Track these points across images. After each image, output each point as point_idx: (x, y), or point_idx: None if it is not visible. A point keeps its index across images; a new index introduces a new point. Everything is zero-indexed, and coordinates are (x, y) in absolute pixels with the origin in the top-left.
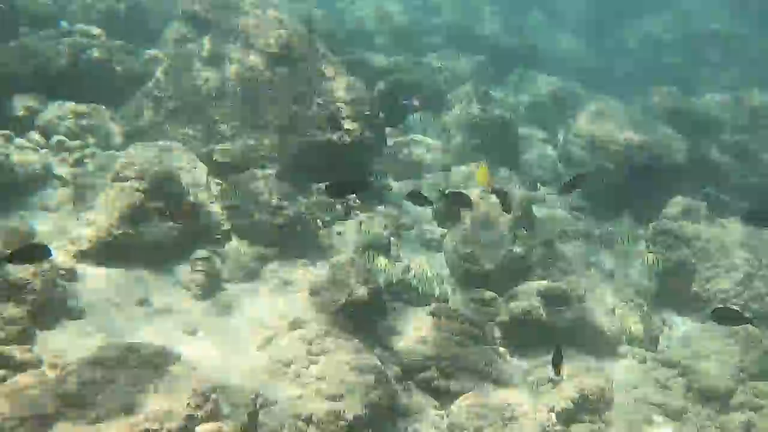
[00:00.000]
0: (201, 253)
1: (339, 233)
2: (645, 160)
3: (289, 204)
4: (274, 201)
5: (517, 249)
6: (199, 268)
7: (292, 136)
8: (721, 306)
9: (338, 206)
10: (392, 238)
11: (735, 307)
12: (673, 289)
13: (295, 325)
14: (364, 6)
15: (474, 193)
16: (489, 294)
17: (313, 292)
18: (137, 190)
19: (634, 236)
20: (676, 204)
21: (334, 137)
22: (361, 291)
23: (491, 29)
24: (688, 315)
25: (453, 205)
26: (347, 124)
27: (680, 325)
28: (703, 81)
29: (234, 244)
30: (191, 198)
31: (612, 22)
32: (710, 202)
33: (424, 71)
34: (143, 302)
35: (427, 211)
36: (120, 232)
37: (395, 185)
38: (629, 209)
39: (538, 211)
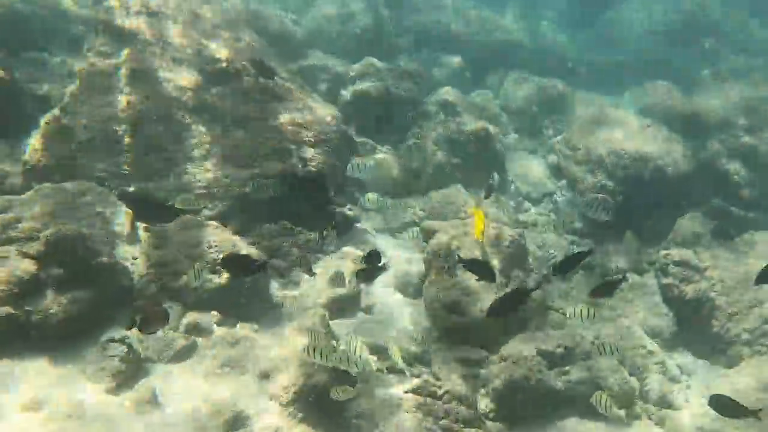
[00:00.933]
0: (114, 334)
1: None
2: (649, 174)
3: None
4: (213, 254)
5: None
6: (112, 352)
7: (238, 169)
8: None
9: (293, 249)
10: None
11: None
12: (691, 328)
13: (239, 423)
14: (323, 4)
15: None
16: (478, 354)
17: (263, 375)
18: (26, 255)
19: (639, 264)
20: (686, 226)
21: (296, 167)
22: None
23: (467, 27)
24: (708, 358)
25: (473, 275)
26: (309, 152)
27: (701, 373)
28: (699, 70)
29: None
30: (105, 258)
31: (595, 12)
32: (720, 217)
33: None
34: (33, 405)
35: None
36: None
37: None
38: (631, 230)
39: (528, 237)
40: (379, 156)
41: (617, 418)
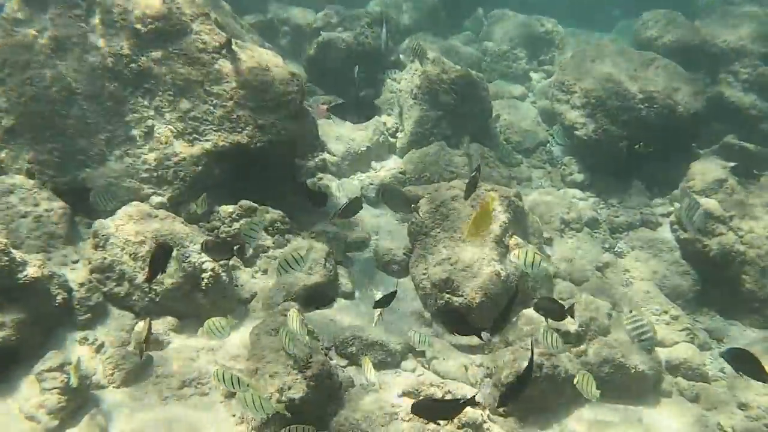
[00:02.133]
0: (51, 361)
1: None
2: (655, 115)
3: (190, 248)
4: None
5: (511, 266)
6: (50, 384)
7: (186, 144)
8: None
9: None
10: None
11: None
12: (718, 287)
13: None
14: None
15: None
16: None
17: (228, 396)
18: None
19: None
20: (702, 169)
21: (254, 138)
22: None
23: None
24: (741, 319)
25: (542, 315)
26: (269, 119)
27: (733, 338)
28: None
29: (111, 324)
30: (33, 270)
31: None
32: (737, 156)
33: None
34: None
35: (387, 220)
36: None
37: (336, 186)
38: (637, 176)
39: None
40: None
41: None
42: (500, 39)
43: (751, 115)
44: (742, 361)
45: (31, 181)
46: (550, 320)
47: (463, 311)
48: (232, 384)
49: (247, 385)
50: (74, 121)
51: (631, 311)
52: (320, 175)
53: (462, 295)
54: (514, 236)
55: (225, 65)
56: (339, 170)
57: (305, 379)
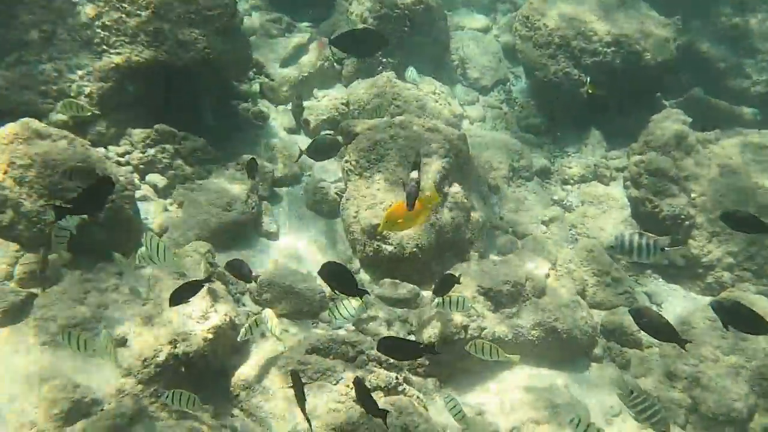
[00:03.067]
0: None
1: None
2: (622, 61)
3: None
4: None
5: (450, 214)
6: None
7: (92, 56)
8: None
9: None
10: (264, 204)
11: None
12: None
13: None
14: None
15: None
16: (408, 289)
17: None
18: None
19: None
20: (663, 126)
21: (164, 56)
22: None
23: None
24: (683, 284)
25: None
26: (190, 34)
27: (674, 302)
28: None
29: None
30: None
31: None
32: (701, 112)
33: None
34: None
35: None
36: None
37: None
38: (596, 125)
39: (474, 135)
40: (295, 39)
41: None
42: None
43: (719, 68)
44: (734, 315)
45: None
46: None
47: (393, 260)
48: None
49: None
50: None
51: (632, 392)
52: (256, 102)
53: (392, 244)
54: (455, 184)
55: None
56: (276, 96)
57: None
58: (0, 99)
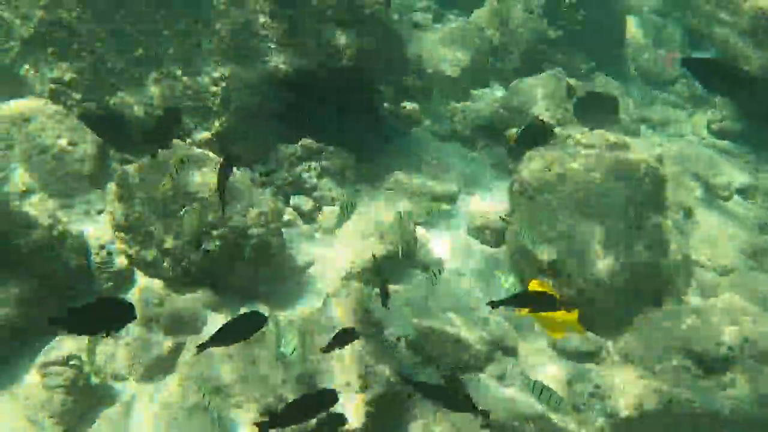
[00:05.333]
0: (57, 350)
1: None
2: None
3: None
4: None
5: (646, 253)
6: (54, 381)
7: (237, 66)
8: None
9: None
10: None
11: None
12: None
13: None
14: None
15: None
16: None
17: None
18: None
19: None
20: None
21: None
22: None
23: None
24: None
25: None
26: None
27: None
28: None
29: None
30: (41, 234)
31: None
32: None
33: None
34: None
35: (480, 167)
36: None
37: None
38: None
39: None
40: (447, 28)
41: None
42: None
43: None
44: None
45: (54, 107)
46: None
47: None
48: None
49: None
50: (104, 32)
51: None
52: (403, 103)
53: (571, 285)
54: (651, 215)
55: None
56: (427, 97)
57: None
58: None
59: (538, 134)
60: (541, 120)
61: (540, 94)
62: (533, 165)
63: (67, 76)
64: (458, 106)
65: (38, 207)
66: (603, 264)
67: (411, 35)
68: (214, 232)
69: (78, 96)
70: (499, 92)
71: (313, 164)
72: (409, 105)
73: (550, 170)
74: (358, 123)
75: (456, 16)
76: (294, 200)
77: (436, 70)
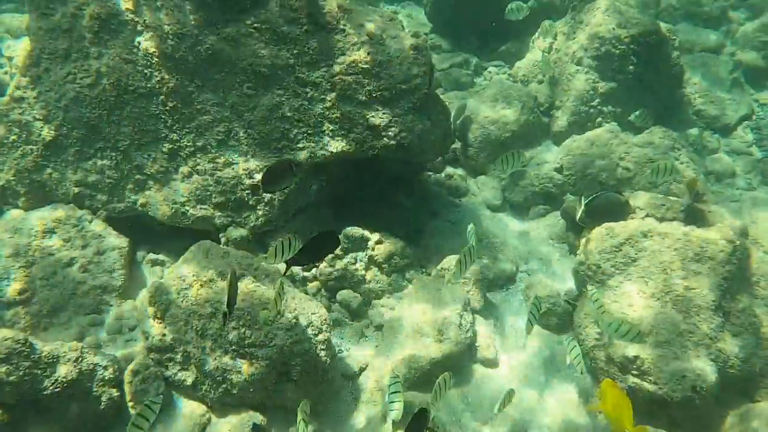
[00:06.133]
0: None
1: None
2: None
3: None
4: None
5: (735, 342)
6: None
7: (272, 155)
8: None
9: None
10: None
11: None
12: None
13: None
14: None
15: None
16: None
17: None
18: None
19: None
20: None
21: (353, 147)
22: None
23: None
24: None
25: None
26: (379, 117)
27: None
28: None
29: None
30: (66, 370)
31: None
32: None
33: None
34: None
35: (538, 242)
36: None
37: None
38: None
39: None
40: (490, 86)
41: None
42: None
43: None
44: None
45: (80, 212)
46: None
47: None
48: None
49: None
50: (128, 128)
51: None
52: (449, 170)
53: (656, 383)
54: (738, 296)
55: (323, 41)
56: (474, 163)
57: None
58: (178, 216)
59: (608, 208)
60: (619, 192)
61: (596, 153)
62: (602, 244)
63: (91, 178)
64: (509, 171)
65: (63, 334)
66: (700, 367)
67: (453, 97)
68: (259, 353)
69: (103, 198)
70: (550, 152)
71: (360, 254)
72: (456, 174)
73: (621, 251)
74: (404, 201)
75: (497, 67)
76: (341, 295)
77: (483, 134)
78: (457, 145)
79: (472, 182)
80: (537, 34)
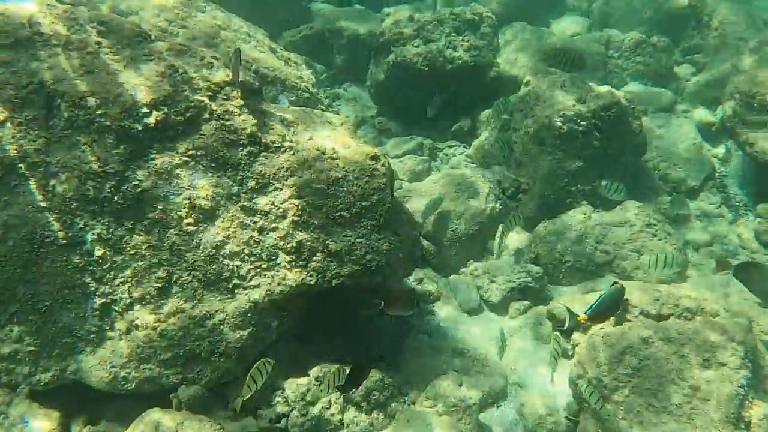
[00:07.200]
0: None
1: None
2: None
3: None
4: None
5: None
6: None
7: (223, 298)
8: None
9: None
10: None
11: None
12: None
13: None
14: None
15: None
16: None
17: None
18: None
19: None
20: None
21: (314, 278)
22: None
23: None
24: None
25: None
26: (333, 240)
27: None
28: None
29: None
30: None
31: None
32: None
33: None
34: None
35: (523, 346)
36: None
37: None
38: None
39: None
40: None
41: None
42: (623, 20)
43: None
44: None
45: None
46: None
47: None
48: None
49: None
50: (49, 287)
51: None
52: (418, 273)
53: None
54: (756, 404)
55: (269, 163)
56: (442, 262)
57: None
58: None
59: (611, 308)
60: (617, 283)
61: (573, 237)
62: (602, 355)
63: (6, 349)
64: (480, 268)
65: None
66: None
67: (411, 194)
68: None
69: (24, 370)
70: (520, 240)
71: (334, 396)
72: (426, 277)
73: (622, 361)
74: (375, 320)
75: (451, 147)
76: None
77: (447, 230)
78: (424, 242)
79: (443, 283)
80: (491, 111)
